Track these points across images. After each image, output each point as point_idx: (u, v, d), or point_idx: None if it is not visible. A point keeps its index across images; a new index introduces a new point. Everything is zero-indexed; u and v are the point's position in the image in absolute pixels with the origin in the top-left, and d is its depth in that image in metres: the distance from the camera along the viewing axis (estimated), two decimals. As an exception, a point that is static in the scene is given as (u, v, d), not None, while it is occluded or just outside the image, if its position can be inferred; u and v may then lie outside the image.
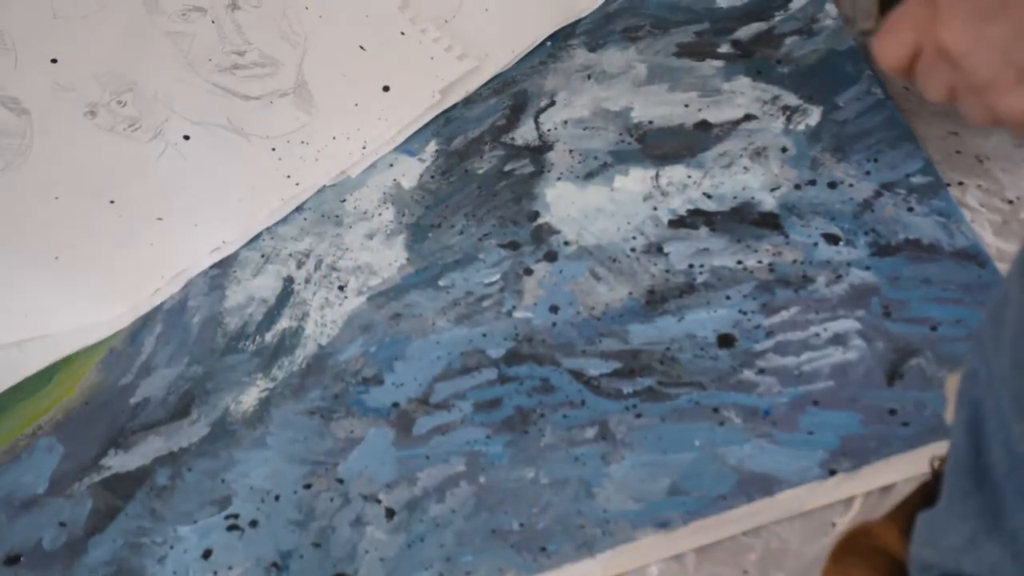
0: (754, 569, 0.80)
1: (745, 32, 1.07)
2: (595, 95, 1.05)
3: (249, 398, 0.91)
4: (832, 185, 0.96)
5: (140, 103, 1.06)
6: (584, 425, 0.87)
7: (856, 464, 0.83)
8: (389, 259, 0.97)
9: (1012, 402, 0.60)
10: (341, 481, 0.86)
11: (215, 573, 0.83)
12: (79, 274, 0.97)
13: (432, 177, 1.02)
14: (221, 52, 1.09)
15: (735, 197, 0.97)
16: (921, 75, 0.76)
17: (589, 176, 1.00)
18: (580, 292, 0.93)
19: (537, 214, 0.98)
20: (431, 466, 0.86)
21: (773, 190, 0.97)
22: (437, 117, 1.06)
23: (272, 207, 1.00)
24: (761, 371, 0.88)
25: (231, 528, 0.85)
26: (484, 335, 0.92)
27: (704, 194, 0.98)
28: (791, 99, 1.02)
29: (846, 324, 0.89)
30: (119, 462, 0.89)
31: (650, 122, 1.03)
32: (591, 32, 1.10)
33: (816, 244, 0.93)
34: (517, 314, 0.93)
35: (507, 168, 1.01)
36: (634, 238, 0.96)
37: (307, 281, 0.97)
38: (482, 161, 1.02)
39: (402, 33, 1.11)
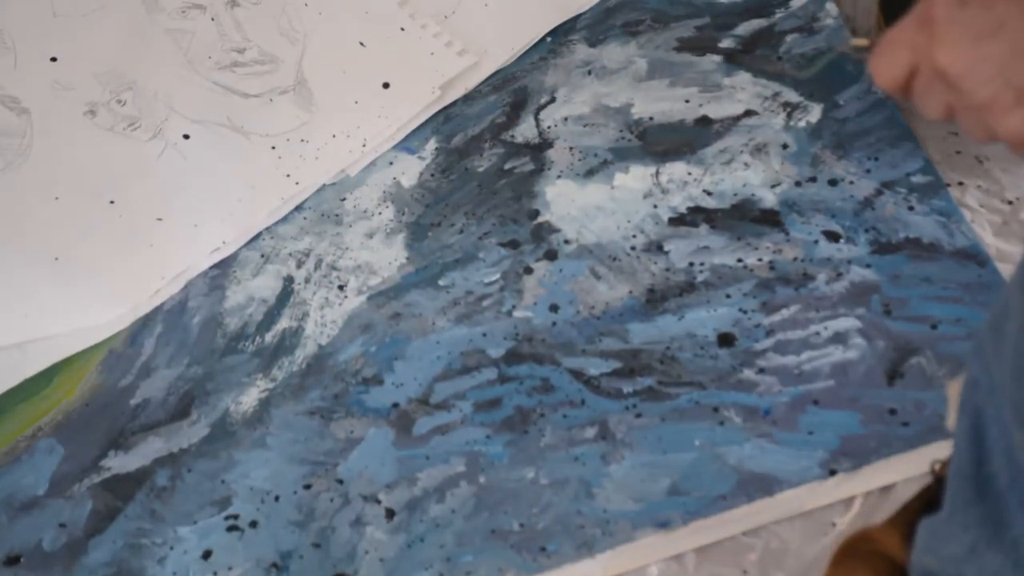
0: (754, 569, 0.80)
1: (745, 28, 1.06)
2: (595, 91, 1.05)
3: (249, 399, 0.91)
4: (833, 182, 0.96)
5: (140, 102, 1.06)
6: (584, 425, 0.87)
7: (856, 464, 0.83)
8: (389, 258, 0.97)
9: (1013, 412, 0.60)
10: (341, 481, 0.86)
11: (215, 574, 0.83)
12: (79, 275, 0.97)
13: (432, 175, 1.02)
14: (221, 50, 1.09)
15: (735, 194, 0.97)
16: (918, 95, 0.75)
17: (589, 174, 1.00)
18: (580, 291, 0.93)
19: (537, 212, 0.98)
20: (431, 466, 0.86)
21: (774, 187, 0.97)
22: (437, 114, 1.05)
23: (272, 206, 1.00)
24: (761, 370, 0.87)
25: (231, 529, 0.85)
26: (484, 335, 0.92)
27: (704, 191, 0.97)
28: (792, 96, 1.02)
29: (846, 322, 0.89)
30: (119, 463, 0.89)
31: (650, 118, 1.02)
32: (591, 27, 1.09)
33: (817, 241, 0.93)
34: (517, 313, 0.93)
35: (507, 166, 1.01)
36: (634, 236, 0.96)
37: (307, 281, 0.97)
38: (482, 159, 1.02)
39: (402, 29, 1.10)
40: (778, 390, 0.86)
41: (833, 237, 0.93)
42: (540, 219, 0.98)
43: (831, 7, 1.06)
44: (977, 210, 0.94)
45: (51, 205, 1.01)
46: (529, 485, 0.85)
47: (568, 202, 0.98)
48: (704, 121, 1.02)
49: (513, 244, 0.96)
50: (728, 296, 0.91)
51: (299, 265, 0.98)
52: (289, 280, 0.97)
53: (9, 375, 0.93)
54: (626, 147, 1.01)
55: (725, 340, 0.89)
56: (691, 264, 0.93)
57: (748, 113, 1.01)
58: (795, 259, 0.93)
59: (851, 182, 0.96)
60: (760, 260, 0.93)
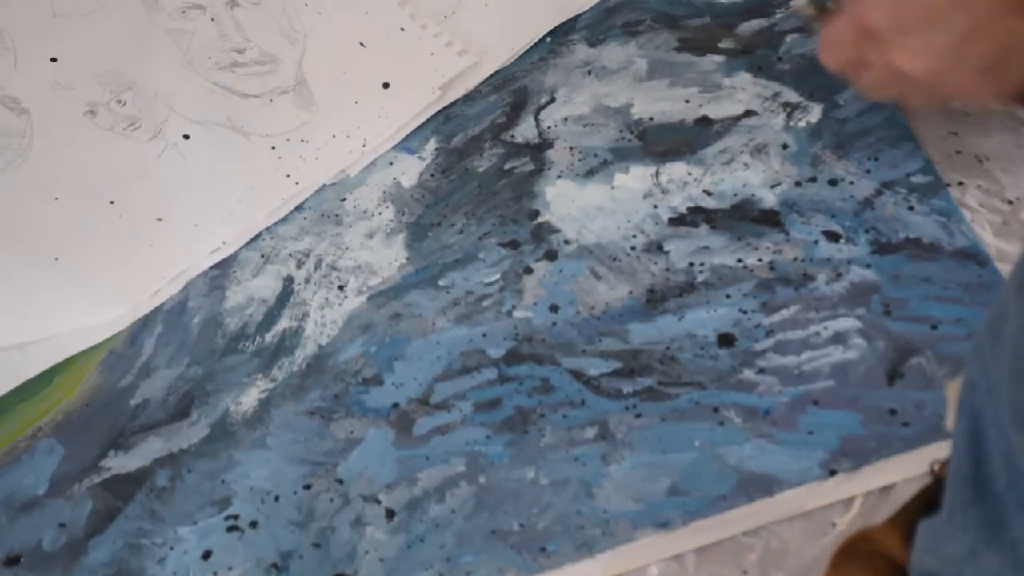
0: (754, 569, 0.80)
1: (745, 28, 1.06)
2: (595, 91, 1.05)
3: (249, 399, 0.91)
4: (833, 183, 0.96)
5: (140, 102, 1.06)
6: (584, 425, 0.87)
7: (856, 464, 0.83)
8: (389, 258, 0.97)
9: (1011, 414, 0.60)
10: (341, 482, 0.86)
11: (215, 574, 0.83)
12: (79, 275, 0.97)
13: (432, 175, 1.02)
14: (221, 50, 1.09)
15: (735, 194, 0.97)
16: (870, 86, 0.79)
17: (589, 174, 1.00)
18: (580, 291, 0.93)
19: (537, 212, 0.98)
20: (431, 466, 0.86)
21: (774, 187, 0.97)
22: (437, 114, 1.05)
23: (272, 207, 1.00)
24: (761, 370, 0.87)
25: (231, 529, 0.85)
26: (484, 335, 0.92)
27: (704, 191, 0.97)
28: (792, 96, 1.02)
29: (846, 322, 0.89)
30: (119, 463, 0.89)
31: (650, 118, 1.02)
32: (591, 27, 1.09)
33: (817, 242, 0.93)
34: (517, 313, 0.93)
35: (507, 166, 1.01)
36: (634, 236, 0.96)
37: (307, 281, 0.97)
38: (482, 159, 1.02)
39: (402, 29, 1.10)
40: (778, 390, 0.86)
41: (833, 237, 0.93)
42: (540, 219, 0.98)
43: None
44: (977, 210, 0.94)
45: (51, 205, 1.01)
46: (529, 485, 0.85)
47: (568, 202, 0.98)
48: (704, 121, 1.02)
49: (513, 244, 0.96)
50: (728, 296, 0.91)
51: (299, 265, 0.98)
52: (289, 280, 0.97)
53: (9, 376, 0.93)
54: (626, 147, 1.01)
55: (725, 340, 0.89)
56: (691, 264, 0.93)
57: (748, 113, 1.01)
58: (795, 259, 0.93)
59: (851, 182, 0.96)
60: (760, 260, 0.93)
